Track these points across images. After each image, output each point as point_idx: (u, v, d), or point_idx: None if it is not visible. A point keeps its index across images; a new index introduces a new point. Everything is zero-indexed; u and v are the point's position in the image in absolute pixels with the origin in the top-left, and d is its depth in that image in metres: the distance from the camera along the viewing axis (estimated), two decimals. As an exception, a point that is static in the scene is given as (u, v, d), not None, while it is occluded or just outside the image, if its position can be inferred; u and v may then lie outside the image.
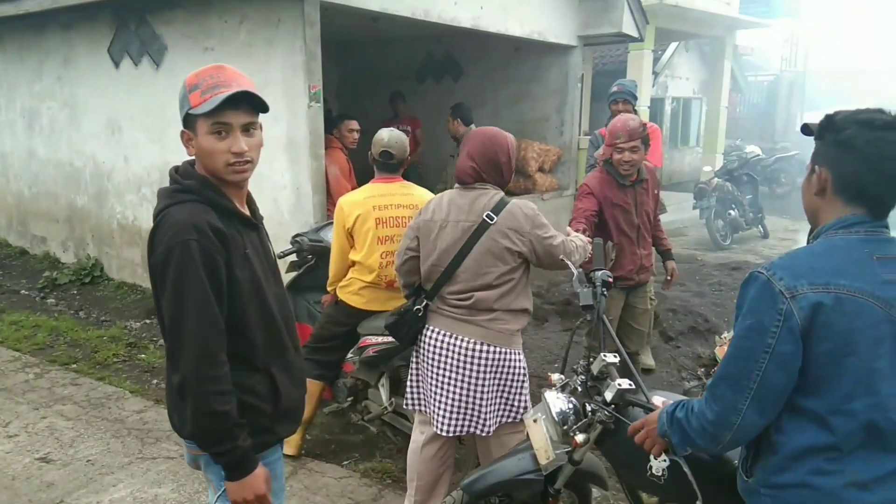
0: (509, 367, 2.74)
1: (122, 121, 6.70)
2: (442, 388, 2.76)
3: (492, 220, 2.66)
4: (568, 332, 5.15)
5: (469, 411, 2.74)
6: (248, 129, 1.78)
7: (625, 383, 2.10)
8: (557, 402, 2.25)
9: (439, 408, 2.78)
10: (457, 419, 2.75)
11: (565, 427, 2.21)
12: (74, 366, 5.09)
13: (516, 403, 2.80)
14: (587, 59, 12.53)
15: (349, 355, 3.63)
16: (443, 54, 9.79)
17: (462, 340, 2.70)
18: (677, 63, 16.28)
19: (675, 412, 1.73)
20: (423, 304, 2.77)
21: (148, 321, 5.99)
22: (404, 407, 3.02)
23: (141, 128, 6.48)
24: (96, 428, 4.09)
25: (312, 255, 4.04)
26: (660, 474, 1.96)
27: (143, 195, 6.63)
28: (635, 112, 5.17)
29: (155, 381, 4.79)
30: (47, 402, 4.42)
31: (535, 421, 2.39)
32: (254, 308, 1.82)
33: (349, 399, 3.74)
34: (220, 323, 1.72)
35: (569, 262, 2.59)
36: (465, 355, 2.70)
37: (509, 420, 2.81)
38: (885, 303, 1.49)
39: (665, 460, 1.94)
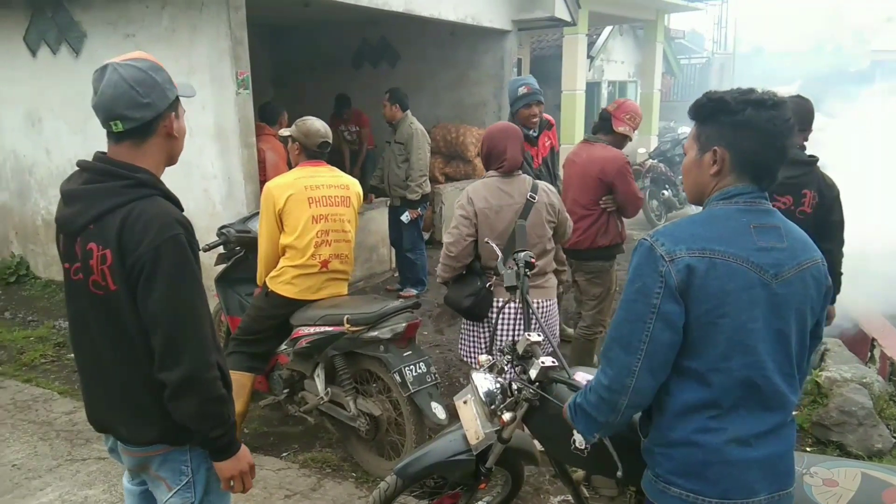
0: (557, 313, 3.42)
1: (41, 112, 6.42)
2: None
3: (534, 200, 3.24)
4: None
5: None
6: None
7: (548, 361, 2.14)
8: (485, 382, 2.27)
9: None
10: None
11: (493, 406, 2.23)
12: (-1, 368, 4.90)
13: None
14: (524, 43, 12.62)
15: (283, 347, 3.58)
16: (378, 39, 9.71)
17: (534, 302, 3.16)
18: (612, 47, 16.53)
19: (576, 399, 1.79)
20: (492, 280, 3.17)
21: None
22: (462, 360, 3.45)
23: (62, 119, 6.22)
24: (22, 431, 3.94)
25: (241, 247, 3.96)
26: (583, 447, 2.02)
27: (67, 189, 6.37)
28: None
29: (85, 381, 4.63)
30: (-31, 408, 4.23)
31: (464, 402, 2.41)
32: (204, 295, 1.86)
33: (285, 391, 3.70)
34: (209, 312, 1.81)
35: (493, 245, 2.63)
36: (540, 313, 3.26)
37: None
38: (758, 268, 1.57)
39: (588, 434, 1.99)
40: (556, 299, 3.38)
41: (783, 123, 1.57)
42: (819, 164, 3.47)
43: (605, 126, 4.11)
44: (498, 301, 3.22)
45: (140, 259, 1.66)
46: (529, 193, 3.24)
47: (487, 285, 3.17)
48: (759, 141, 1.58)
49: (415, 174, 6.05)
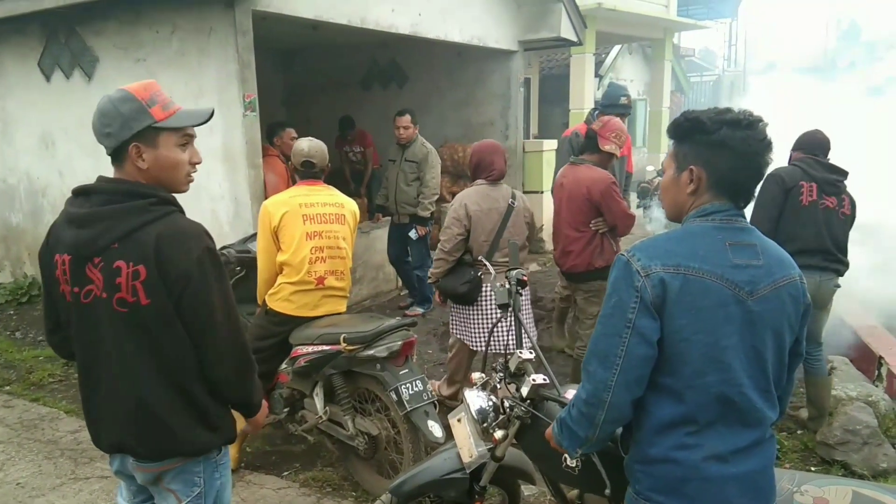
0: (528, 297, 4.00)
1: (55, 135, 6.55)
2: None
3: (514, 205, 3.87)
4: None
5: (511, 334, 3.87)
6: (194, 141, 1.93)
7: (539, 378, 2.15)
8: (477, 400, 2.28)
9: (499, 335, 3.82)
10: (507, 338, 3.79)
11: (485, 424, 2.24)
12: (8, 388, 4.95)
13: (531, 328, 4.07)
14: (533, 63, 12.73)
15: (283, 366, 3.61)
16: (387, 61, 9.82)
17: None
18: (621, 65, 16.61)
19: (561, 415, 1.79)
20: (482, 270, 3.78)
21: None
22: (450, 335, 4.14)
23: (75, 142, 6.33)
24: (28, 450, 3.98)
25: (241, 267, 4.01)
26: (574, 465, 2.02)
27: (79, 210, 6.47)
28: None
29: (92, 400, 4.67)
30: (-23, 427, 4.28)
31: (458, 420, 2.42)
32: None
33: (286, 410, 3.71)
34: None
35: (486, 263, 2.66)
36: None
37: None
38: (733, 285, 1.58)
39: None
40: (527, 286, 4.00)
41: (758, 143, 1.59)
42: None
43: (591, 145, 4.13)
44: (485, 287, 3.86)
45: (186, 272, 1.76)
46: (510, 199, 3.88)
47: (479, 274, 3.82)
48: (734, 160, 1.60)
49: (429, 192, 6.13)
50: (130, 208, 1.78)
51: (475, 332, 3.99)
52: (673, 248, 1.61)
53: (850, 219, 3.84)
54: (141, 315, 1.77)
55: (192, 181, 1.92)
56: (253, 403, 2.04)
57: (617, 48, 15.94)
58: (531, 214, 4.02)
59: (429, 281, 4.07)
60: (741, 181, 1.63)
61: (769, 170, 1.68)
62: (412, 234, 6.19)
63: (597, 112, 5.30)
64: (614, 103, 5.15)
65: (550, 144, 8.85)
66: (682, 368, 1.58)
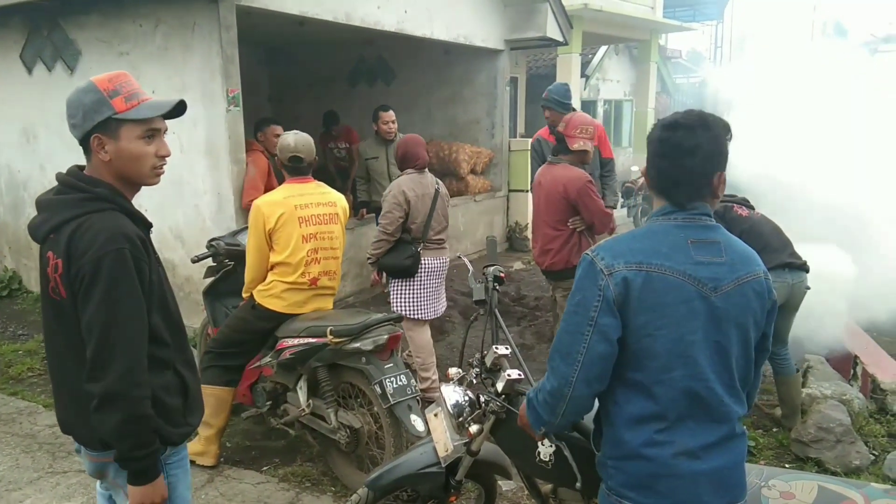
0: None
1: (37, 128, 6.49)
2: (434, 291, 4.46)
3: (438, 190, 4.41)
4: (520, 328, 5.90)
5: (442, 298, 4.62)
6: (163, 134, 1.88)
7: (514, 373, 2.17)
8: (453, 395, 2.30)
9: (434, 303, 4.47)
10: (439, 305, 4.55)
11: (461, 419, 2.26)
12: (-14, 382, 4.91)
13: None
14: (521, 62, 12.77)
15: (267, 359, 3.60)
16: (374, 58, 9.82)
17: (441, 260, 4.46)
18: (608, 66, 16.69)
19: (530, 393, 1.83)
20: (420, 246, 4.34)
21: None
22: (396, 312, 4.12)
23: (57, 135, 6.27)
24: (5, 444, 3.95)
25: (230, 260, 4.00)
26: (547, 459, 2.04)
27: (60, 204, 6.42)
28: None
29: (71, 395, 4.64)
30: (-46, 421, 4.25)
31: (435, 415, 2.44)
32: (163, 309, 1.87)
33: (268, 403, 3.72)
34: (147, 330, 1.78)
35: (465, 260, 2.68)
36: (444, 268, 4.51)
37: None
38: (696, 281, 1.61)
39: (551, 446, 2.02)
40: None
41: (687, 144, 1.60)
42: None
43: (562, 147, 4.15)
44: (425, 259, 4.34)
45: (81, 270, 1.70)
46: (435, 185, 4.40)
47: (417, 249, 4.32)
48: (665, 161, 1.64)
49: None
50: (66, 201, 1.78)
51: (417, 303, 4.40)
52: (636, 246, 1.64)
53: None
54: (64, 308, 1.76)
55: (160, 174, 1.87)
56: (125, 452, 1.74)
57: (603, 49, 16.01)
58: (449, 198, 4.62)
59: (369, 262, 4.44)
60: (672, 180, 1.65)
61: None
62: None
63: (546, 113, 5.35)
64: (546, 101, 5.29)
65: (536, 143, 8.88)
66: (649, 363, 1.61)
